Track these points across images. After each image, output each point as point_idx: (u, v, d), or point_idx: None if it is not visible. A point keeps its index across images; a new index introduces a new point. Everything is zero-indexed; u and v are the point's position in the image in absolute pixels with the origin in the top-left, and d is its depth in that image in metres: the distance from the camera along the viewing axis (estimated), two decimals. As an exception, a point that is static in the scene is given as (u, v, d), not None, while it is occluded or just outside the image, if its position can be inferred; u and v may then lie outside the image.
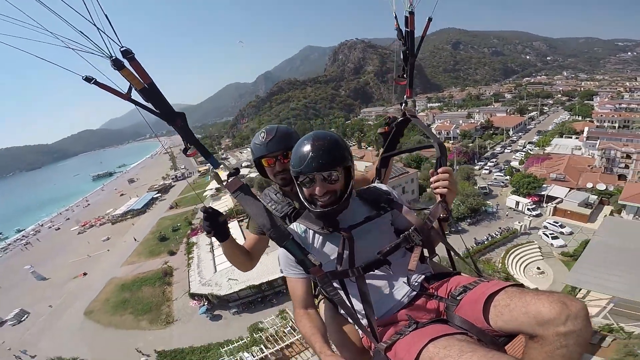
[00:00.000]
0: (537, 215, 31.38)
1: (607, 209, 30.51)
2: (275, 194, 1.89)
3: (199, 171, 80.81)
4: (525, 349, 1.09)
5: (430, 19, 1.74)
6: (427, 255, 1.55)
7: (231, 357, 18.44)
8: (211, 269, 28.03)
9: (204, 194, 51.12)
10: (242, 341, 19.86)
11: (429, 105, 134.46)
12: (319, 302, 1.80)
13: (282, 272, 1.53)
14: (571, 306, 0.99)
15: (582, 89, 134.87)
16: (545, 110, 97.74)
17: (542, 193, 33.44)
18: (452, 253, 1.58)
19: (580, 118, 74.56)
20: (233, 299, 25.34)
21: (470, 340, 1.13)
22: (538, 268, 24.36)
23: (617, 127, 62.47)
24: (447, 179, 1.49)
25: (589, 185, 33.60)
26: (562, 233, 27.86)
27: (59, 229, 63.93)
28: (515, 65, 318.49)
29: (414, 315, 1.37)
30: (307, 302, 1.47)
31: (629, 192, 28.51)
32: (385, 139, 2.00)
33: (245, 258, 1.79)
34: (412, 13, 1.71)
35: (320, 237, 1.50)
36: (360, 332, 1.50)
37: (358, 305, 1.40)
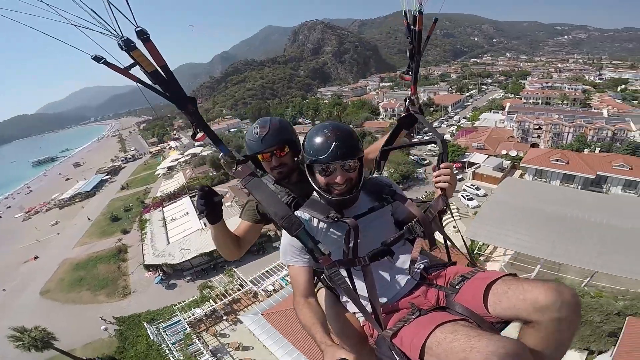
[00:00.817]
0: (460, 180, 35.77)
1: (517, 173, 35.81)
2: (273, 184, 1.87)
3: (151, 152, 79.06)
4: (520, 334, 1.18)
5: (436, 20, 1.83)
6: (429, 246, 1.57)
7: (183, 313, 20.44)
8: (164, 241, 29.52)
9: (156, 173, 51.07)
10: (193, 298, 21.99)
11: (381, 84, 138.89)
12: (317, 291, 1.77)
13: (283, 261, 1.55)
14: (565, 293, 1.06)
15: (519, 69, 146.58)
16: (483, 89, 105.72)
17: (465, 160, 38.05)
18: (449, 244, 1.67)
19: (512, 95, 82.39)
20: (186, 267, 27.05)
21: (474, 324, 1.20)
22: (454, 227, 28.56)
23: (540, 103, 70.58)
24: (449, 174, 1.53)
25: (504, 152, 38.90)
26: (477, 195, 31.90)
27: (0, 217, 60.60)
28: (464, 46, 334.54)
29: (417, 303, 1.43)
30: (308, 291, 1.49)
31: (529, 156, 33.82)
32: (409, 120, 2.01)
33: (234, 245, 1.78)
34: (420, 13, 1.74)
35: (325, 225, 1.53)
36: (360, 320, 1.57)
37: (362, 293, 1.44)
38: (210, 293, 21.55)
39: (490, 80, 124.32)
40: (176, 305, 21.71)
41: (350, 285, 1.43)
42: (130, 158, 79.07)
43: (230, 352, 17.44)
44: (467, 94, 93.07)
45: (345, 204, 1.54)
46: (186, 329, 19.04)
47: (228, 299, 20.80)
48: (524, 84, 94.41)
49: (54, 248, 37.97)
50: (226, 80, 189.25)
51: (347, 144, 1.42)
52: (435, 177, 1.57)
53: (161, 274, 27.00)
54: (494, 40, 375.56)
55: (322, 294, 1.75)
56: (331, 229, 1.54)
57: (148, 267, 27.59)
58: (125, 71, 1.06)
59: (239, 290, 21.47)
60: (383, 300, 1.51)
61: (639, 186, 28.96)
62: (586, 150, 35.47)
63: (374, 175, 1.96)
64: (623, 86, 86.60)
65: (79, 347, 20.98)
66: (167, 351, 17.85)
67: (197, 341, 17.77)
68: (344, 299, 1.63)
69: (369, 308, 1.40)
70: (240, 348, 17.56)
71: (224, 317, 19.69)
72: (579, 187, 29.93)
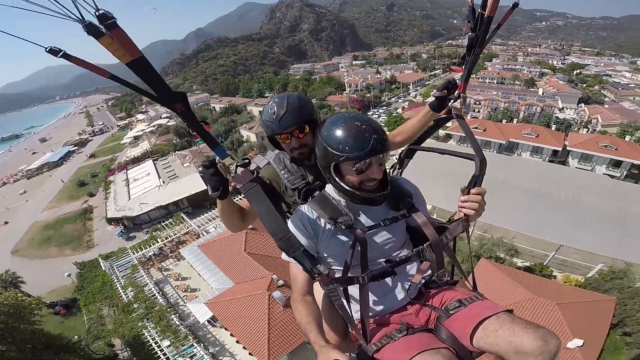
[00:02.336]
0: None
1: (452, 141, 40.34)
2: (290, 162, 1.77)
3: (118, 126, 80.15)
4: None
5: (516, 5, 1.45)
6: (436, 268, 1.50)
7: (134, 251, 23.52)
8: (126, 197, 32.45)
9: (122, 142, 53.03)
10: (144, 239, 25.23)
11: (353, 62, 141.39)
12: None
13: (284, 258, 1.40)
14: (550, 344, 1.08)
15: (488, 51, 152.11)
16: (448, 70, 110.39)
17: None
18: (455, 267, 1.62)
19: (473, 75, 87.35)
20: (145, 220, 29.84)
21: (454, 357, 1.22)
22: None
23: (495, 82, 75.99)
24: (479, 202, 1.42)
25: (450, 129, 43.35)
26: (410, 159, 36.90)
27: (-35, 190, 60.59)
28: (442, 28, 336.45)
29: (407, 321, 1.43)
30: (306, 290, 1.45)
31: (455, 125, 38.37)
32: (438, 105, 1.84)
33: (239, 219, 1.69)
34: None
35: (332, 228, 1.43)
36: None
37: (354, 305, 1.43)
38: (158, 234, 24.84)
39: (454, 60, 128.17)
40: (129, 247, 24.87)
41: (344, 298, 1.40)
42: (97, 131, 79.66)
43: (170, 282, 20.58)
44: (431, 73, 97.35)
45: (370, 202, 1.41)
46: (135, 262, 22.15)
47: (173, 239, 23.99)
48: (487, 66, 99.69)
49: (23, 213, 39.71)
50: (197, 57, 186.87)
51: (382, 135, 1.29)
52: (462, 201, 1.45)
53: (122, 228, 29.78)
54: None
55: (317, 286, 1.62)
56: (339, 235, 1.44)
57: (110, 221, 30.48)
58: (90, 65, 0.91)
59: (185, 233, 24.65)
60: (374, 312, 1.49)
61: (544, 151, 34.01)
62: (504, 121, 40.49)
63: (397, 175, 1.87)
64: (578, 71, 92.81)
65: (45, 294, 22.80)
66: (118, 284, 20.95)
67: (142, 272, 20.92)
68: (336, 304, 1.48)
69: (357, 318, 1.40)
70: (180, 278, 20.70)
71: (169, 255, 22.84)
72: (494, 152, 34.80)
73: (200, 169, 1.37)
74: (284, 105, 1.62)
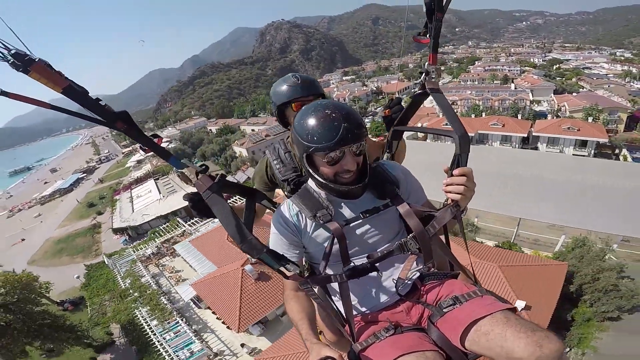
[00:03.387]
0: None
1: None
2: (285, 153, 1.75)
3: (123, 153, 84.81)
4: None
5: None
6: (424, 261, 1.41)
7: (134, 250, 26.87)
8: (129, 210, 36.23)
9: (126, 166, 57.10)
10: (143, 240, 28.60)
11: (343, 78, 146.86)
12: None
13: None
14: (545, 349, 0.99)
15: (473, 55, 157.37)
16: (433, 77, 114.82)
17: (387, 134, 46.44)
18: (452, 262, 1.48)
19: (456, 79, 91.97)
20: (146, 229, 32.93)
21: (440, 359, 1.16)
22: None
23: (476, 83, 79.98)
24: (464, 184, 1.25)
25: (419, 124, 46.90)
26: (388, 158, 40.40)
27: (-16, 218, 64.57)
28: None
29: (395, 319, 1.36)
30: (297, 286, 1.41)
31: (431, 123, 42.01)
32: (387, 124, 1.82)
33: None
34: None
35: (314, 222, 1.37)
36: None
37: (339, 304, 1.36)
38: (157, 235, 28.22)
39: (443, 68, 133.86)
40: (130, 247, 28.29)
41: (323, 300, 1.36)
42: (104, 159, 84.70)
43: (165, 274, 23.61)
44: (416, 81, 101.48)
45: (347, 196, 1.36)
46: (134, 257, 25.40)
47: (169, 239, 27.36)
48: (470, 69, 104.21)
49: (38, 231, 43.47)
50: (193, 84, 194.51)
51: (356, 122, 1.21)
52: (446, 184, 1.28)
53: (126, 237, 33.16)
54: (457, 29, 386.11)
55: None
56: (320, 228, 1.37)
57: (116, 231, 34.05)
58: (30, 99, 0.96)
59: (181, 235, 27.85)
60: (362, 308, 1.43)
61: (512, 140, 37.04)
62: (473, 115, 43.91)
63: (384, 159, 1.75)
64: (557, 66, 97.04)
65: (55, 295, 25.04)
66: (119, 277, 24.08)
67: (140, 266, 24.10)
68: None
69: (344, 316, 1.35)
70: (174, 271, 23.68)
71: (166, 253, 26.01)
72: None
73: (189, 204, 1.30)
74: (303, 76, 1.78)
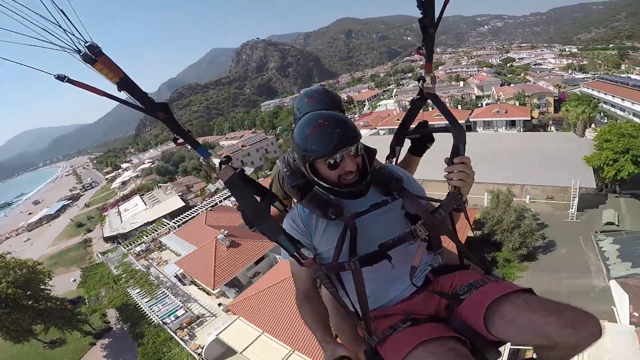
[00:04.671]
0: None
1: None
2: (294, 161, 1.78)
3: (106, 179, 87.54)
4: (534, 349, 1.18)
5: None
6: (433, 250, 1.46)
7: (125, 247, 30.39)
8: (118, 221, 39.37)
9: (112, 187, 60.09)
10: (133, 238, 32.37)
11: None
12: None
13: (283, 258, 1.51)
14: (584, 330, 0.98)
15: (436, 60, 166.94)
16: (402, 83, 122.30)
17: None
18: (461, 250, 1.55)
19: (416, 83, 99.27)
20: (134, 235, 35.69)
21: (462, 348, 1.13)
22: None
23: (435, 85, 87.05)
24: (463, 170, 1.35)
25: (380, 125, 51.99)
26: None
27: (-28, 249, 65.31)
28: (398, 47, 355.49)
29: (412, 311, 1.37)
30: (309, 287, 1.46)
31: (387, 120, 47.21)
32: (415, 145, 1.94)
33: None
34: None
35: (324, 222, 1.41)
36: None
37: (354, 297, 1.33)
38: (144, 234, 31.81)
39: (410, 75, 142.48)
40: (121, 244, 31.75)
41: (340, 289, 1.36)
42: (88, 186, 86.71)
43: (153, 264, 27.02)
44: (385, 88, 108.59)
45: (355, 195, 1.42)
46: (125, 252, 28.89)
47: (155, 236, 30.96)
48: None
49: (29, 252, 44.26)
50: (172, 106, 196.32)
51: (347, 127, 1.32)
52: (447, 172, 1.38)
53: (117, 244, 35.85)
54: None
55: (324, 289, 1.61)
56: (331, 226, 1.40)
57: (107, 239, 37.17)
58: (90, 87, 1.03)
59: (166, 233, 31.27)
60: (377, 303, 1.44)
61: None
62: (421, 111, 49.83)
63: (387, 163, 1.86)
64: (510, 64, 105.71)
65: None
66: (113, 269, 27.45)
67: (131, 257, 27.64)
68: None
69: (359, 310, 1.32)
70: (162, 261, 27.13)
71: (154, 249, 29.59)
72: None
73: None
74: (326, 90, 1.94)
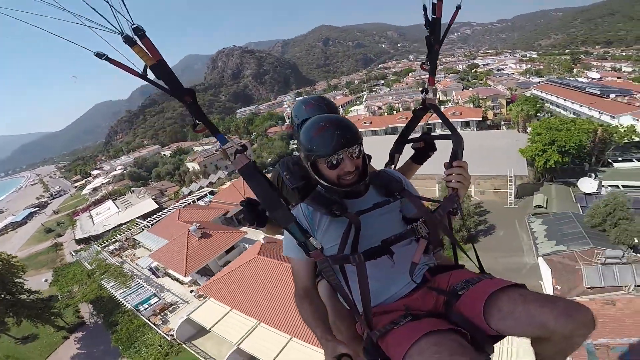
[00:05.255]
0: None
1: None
2: (293, 165, 1.90)
3: (75, 187, 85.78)
4: (531, 341, 1.22)
5: (458, 7, 1.69)
6: (433, 248, 1.51)
7: (98, 245, 30.91)
8: (90, 224, 39.40)
9: (82, 193, 59.17)
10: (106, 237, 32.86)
11: (297, 99, 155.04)
12: (317, 282, 1.72)
13: (285, 254, 1.53)
14: (577, 318, 1.02)
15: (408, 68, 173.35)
16: (374, 89, 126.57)
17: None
18: (457, 248, 1.64)
19: (387, 88, 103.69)
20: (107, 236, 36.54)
21: (463, 340, 1.15)
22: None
23: (404, 90, 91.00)
24: (461, 173, 1.47)
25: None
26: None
27: None
28: (373, 54, 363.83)
29: (412, 307, 1.40)
30: (309, 285, 1.49)
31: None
32: (418, 153, 2.03)
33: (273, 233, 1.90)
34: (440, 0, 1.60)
35: (327, 219, 1.48)
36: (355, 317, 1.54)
37: (356, 291, 1.36)
38: (117, 232, 32.44)
39: (382, 82, 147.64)
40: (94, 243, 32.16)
41: (343, 282, 1.38)
42: (56, 194, 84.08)
43: (127, 261, 27.69)
44: (358, 95, 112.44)
45: (353, 195, 1.49)
46: (98, 249, 29.52)
47: (128, 235, 31.69)
48: (403, 80, 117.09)
49: None
50: (144, 113, 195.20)
51: (347, 129, 1.39)
52: (447, 175, 1.51)
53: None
54: (399, 45, 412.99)
55: (321, 284, 1.72)
56: (333, 224, 1.47)
57: (79, 241, 36.99)
58: (127, 67, 1.08)
59: (140, 232, 32.00)
60: (378, 300, 1.47)
61: (415, 129, 45.69)
62: (385, 113, 53.03)
63: (384, 169, 1.90)
64: (474, 70, 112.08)
65: None
66: (87, 265, 28.02)
67: (105, 254, 28.36)
68: (339, 294, 1.52)
69: (360, 306, 1.34)
70: (135, 257, 27.89)
71: (127, 247, 30.29)
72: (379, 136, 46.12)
73: (243, 207, 1.49)
74: (322, 98, 2.04)
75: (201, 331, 17.02)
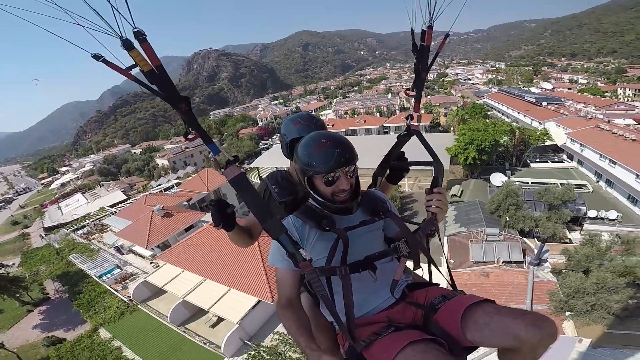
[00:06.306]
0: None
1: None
2: (282, 179, 1.93)
3: (42, 184, 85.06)
4: (499, 354, 1.32)
5: (447, 36, 1.78)
6: (413, 266, 1.58)
7: (67, 229, 32.73)
8: (60, 215, 40.63)
9: (50, 188, 59.56)
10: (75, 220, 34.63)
11: (272, 102, 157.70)
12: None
13: (270, 263, 1.55)
14: (544, 329, 1.11)
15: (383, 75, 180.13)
16: (348, 95, 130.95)
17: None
18: (433, 266, 1.71)
19: (360, 94, 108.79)
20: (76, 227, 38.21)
21: (443, 350, 1.23)
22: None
23: (373, 96, 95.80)
24: (441, 199, 1.57)
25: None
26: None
27: None
28: (351, 61, 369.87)
29: (393, 319, 1.48)
30: (293, 295, 1.51)
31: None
32: (391, 172, 2.07)
33: (247, 238, 1.86)
34: (430, 27, 1.66)
35: (317, 233, 1.52)
36: (335, 329, 1.63)
37: (339, 304, 1.43)
38: (86, 218, 34.31)
39: (357, 88, 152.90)
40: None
41: (329, 294, 1.42)
42: (21, 191, 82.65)
43: (94, 243, 29.47)
44: (332, 100, 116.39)
45: (344, 212, 1.53)
46: (67, 232, 31.34)
47: (95, 221, 33.52)
48: (374, 87, 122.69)
49: None
50: (115, 113, 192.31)
51: (347, 149, 1.43)
52: (427, 200, 1.59)
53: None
54: (377, 52, 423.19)
55: (302, 296, 1.73)
56: (322, 238, 1.52)
57: (48, 229, 37.84)
58: (124, 70, 1.08)
59: (108, 216, 33.90)
60: (360, 312, 1.53)
61: (372, 131, 49.60)
62: (346, 116, 57.21)
63: (370, 189, 1.97)
64: (442, 79, 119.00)
65: None
66: (56, 245, 29.85)
67: (73, 234, 30.24)
68: (323, 305, 1.59)
69: (343, 318, 1.38)
70: (103, 241, 29.63)
71: (96, 231, 31.86)
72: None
73: (211, 208, 1.49)
74: (314, 116, 2.05)
75: (156, 294, 19.43)
